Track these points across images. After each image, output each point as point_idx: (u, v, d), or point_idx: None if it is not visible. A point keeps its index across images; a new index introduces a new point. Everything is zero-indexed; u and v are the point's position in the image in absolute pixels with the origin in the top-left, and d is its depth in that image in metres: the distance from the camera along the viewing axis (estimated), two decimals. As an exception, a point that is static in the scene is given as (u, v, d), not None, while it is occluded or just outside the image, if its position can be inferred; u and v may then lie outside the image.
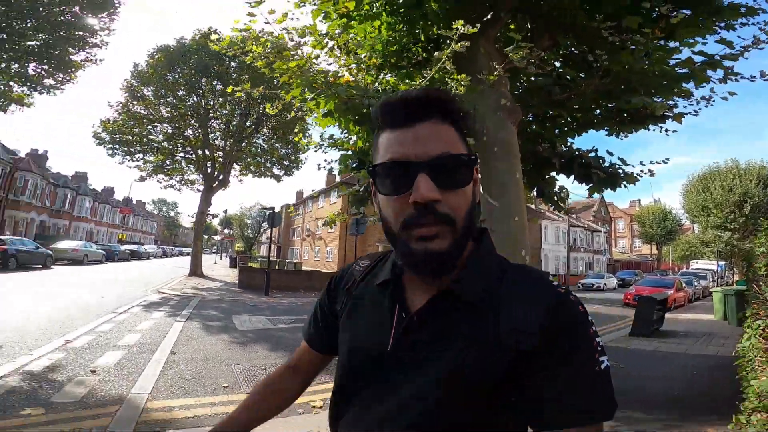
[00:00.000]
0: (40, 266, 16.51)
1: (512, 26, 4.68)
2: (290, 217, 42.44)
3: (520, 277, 0.59)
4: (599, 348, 0.54)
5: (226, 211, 45.99)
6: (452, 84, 3.57)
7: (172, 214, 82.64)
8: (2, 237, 16.17)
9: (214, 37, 5.54)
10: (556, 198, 5.54)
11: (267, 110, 5.36)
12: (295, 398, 0.80)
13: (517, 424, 0.55)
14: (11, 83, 13.02)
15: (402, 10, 4.23)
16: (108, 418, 3.14)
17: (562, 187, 5.58)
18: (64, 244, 21.42)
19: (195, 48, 18.45)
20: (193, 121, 20.01)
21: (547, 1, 4.19)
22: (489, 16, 4.19)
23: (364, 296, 0.67)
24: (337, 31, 4.65)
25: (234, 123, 20.16)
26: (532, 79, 4.65)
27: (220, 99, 19.46)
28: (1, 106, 13.19)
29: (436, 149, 0.54)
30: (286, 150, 21.43)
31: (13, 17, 11.25)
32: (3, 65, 12.35)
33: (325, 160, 6.03)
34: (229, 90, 4.76)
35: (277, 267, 17.88)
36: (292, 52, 4.17)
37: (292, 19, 4.37)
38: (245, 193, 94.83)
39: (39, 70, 13.22)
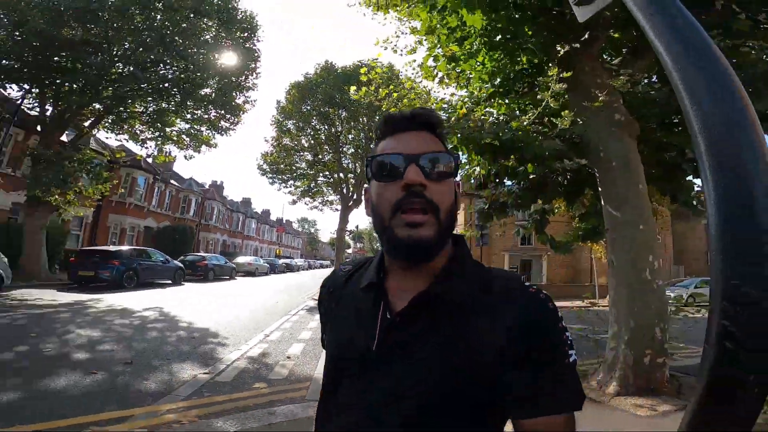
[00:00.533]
0: (228, 278, 20.99)
1: (617, 35, 4.74)
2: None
3: (495, 279, 0.63)
4: (569, 342, 0.58)
5: (357, 227, 50.05)
6: (563, 115, 3.91)
7: (312, 231, 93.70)
8: (203, 254, 21.17)
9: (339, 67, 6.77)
10: (695, 202, 5.25)
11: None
12: None
13: (496, 416, 0.59)
14: (201, 128, 17.18)
15: (499, 44, 4.71)
16: (304, 391, 4.30)
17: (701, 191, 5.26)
18: (241, 259, 26.78)
19: (319, 81, 21.43)
20: (327, 148, 23.10)
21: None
22: (586, 36, 4.41)
23: (348, 299, 0.71)
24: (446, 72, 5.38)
25: (362, 146, 22.53)
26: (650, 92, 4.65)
27: (347, 125, 22.09)
28: (195, 148, 17.34)
29: (425, 148, 0.63)
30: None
31: (193, 71, 14.64)
32: (195, 113, 16.36)
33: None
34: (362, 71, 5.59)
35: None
36: (411, 93, 5.09)
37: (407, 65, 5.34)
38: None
39: (216, 115, 17.11)
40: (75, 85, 12.30)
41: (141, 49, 13.05)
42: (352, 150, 23.37)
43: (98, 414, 3.17)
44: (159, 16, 13.23)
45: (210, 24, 15.04)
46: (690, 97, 0.51)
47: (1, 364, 4.35)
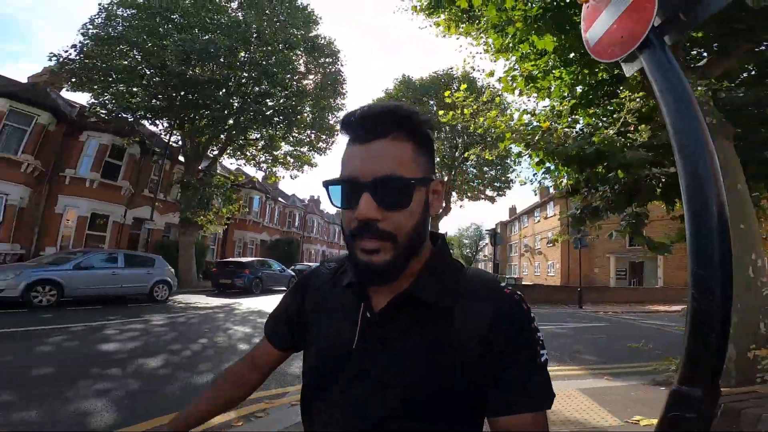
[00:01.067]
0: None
1: (699, 34, 4.78)
2: (507, 234, 43.12)
3: (472, 280, 0.64)
4: (540, 342, 0.60)
5: (446, 233, 50.42)
6: (640, 129, 4.25)
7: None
8: (310, 264, 23.68)
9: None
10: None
11: (485, 156, 6.92)
12: (251, 392, 0.83)
13: (474, 413, 0.60)
14: (302, 149, 19.26)
15: (574, 60, 5.05)
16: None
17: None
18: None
19: (399, 95, 22.54)
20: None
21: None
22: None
23: (332, 297, 0.70)
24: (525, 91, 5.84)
25: (446, 156, 23.12)
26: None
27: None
28: (299, 168, 19.46)
29: (383, 170, 0.57)
30: (495, 172, 22.95)
31: (292, 99, 16.62)
32: (297, 137, 18.55)
33: (538, 182, 7.17)
34: (446, 96, 6.06)
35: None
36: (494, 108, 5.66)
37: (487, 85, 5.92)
38: (461, 216, 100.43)
39: (314, 137, 19.07)
40: (205, 120, 15.06)
41: (251, 83, 15.51)
42: (438, 159, 24.08)
43: (268, 390, 3.79)
44: (259, 53, 15.55)
45: (299, 53, 17.12)
46: (674, 132, 1.23)
47: (196, 352, 5.44)
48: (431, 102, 21.80)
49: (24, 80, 16.42)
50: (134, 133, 15.90)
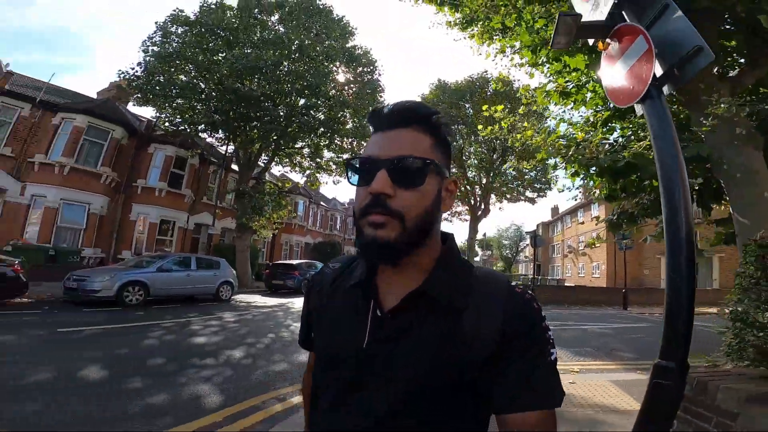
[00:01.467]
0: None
1: (732, 42, 4.99)
2: (548, 235, 42.25)
3: (483, 279, 0.65)
4: (551, 341, 0.61)
5: (485, 234, 50.02)
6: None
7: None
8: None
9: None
10: None
11: (523, 167, 7.33)
12: None
13: (482, 410, 0.61)
14: (344, 156, 20.07)
15: None
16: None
17: None
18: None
19: (434, 99, 22.89)
20: (451, 161, 24.45)
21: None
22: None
23: (337, 297, 0.70)
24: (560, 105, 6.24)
25: (485, 158, 23.31)
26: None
27: (468, 139, 23.13)
28: (341, 174, 20.20)
29: (400, 151, 0.60)
30: (535, 172, 22.87)
31: (334, 108, 17.66)
32: (340, 144, 19.47)
33: (576, 189, 7.52)
34: (484, 109, 6.41)
35: (538, 284, 19.25)
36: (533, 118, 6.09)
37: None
38: (501, 217, 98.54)
39: (354, 144, 19.76)
40: (256, 131, 16.30)
41: (296, 95, 16.60)
42: (476, 162, 24.32)
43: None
44: (301, 67, 16.60)
45: (338, 65, 18.04)
46: (660, 167, 1.81)
47: (267, 345, 6.06)
48: (467, 105, 22.10)
49: (84, 92, 18.47)
50: (195, 146, 17.49)
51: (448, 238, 0.70)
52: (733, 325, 2.57)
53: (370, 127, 0.67)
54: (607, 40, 2.54)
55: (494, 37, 6.52)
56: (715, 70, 5.08)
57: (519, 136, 5.94)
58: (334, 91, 17.70)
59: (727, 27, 4.82)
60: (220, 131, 16.69)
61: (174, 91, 15.18)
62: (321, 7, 18.33)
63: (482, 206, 23.98)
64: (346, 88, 19.15)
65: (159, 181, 16.59)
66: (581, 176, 5.90)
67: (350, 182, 0.64)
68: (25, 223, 13.01)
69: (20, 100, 13.46)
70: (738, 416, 1.79)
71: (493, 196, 24.21)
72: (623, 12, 2.43)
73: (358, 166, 0.63)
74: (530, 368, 0.58)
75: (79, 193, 13.97)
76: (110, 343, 5.43)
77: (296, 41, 15.92)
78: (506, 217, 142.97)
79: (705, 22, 4.12)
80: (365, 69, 19.25)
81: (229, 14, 16.79)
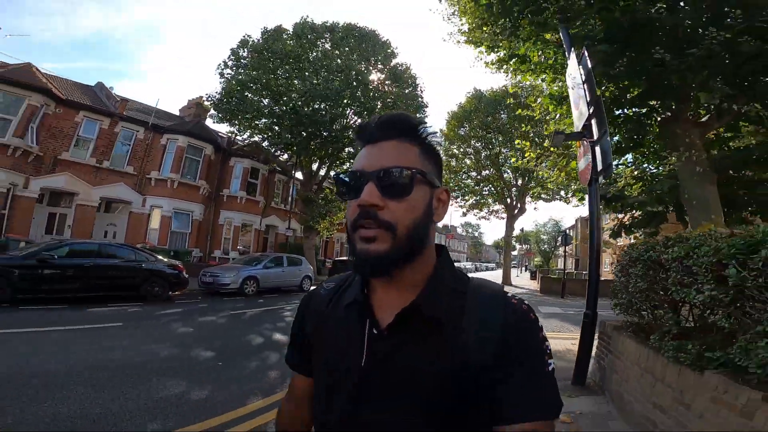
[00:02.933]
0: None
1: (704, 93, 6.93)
2: (586, 232, 42.89)
3: (478, 291, 0.65)
4: (548, 351, 0.61)
5: (522, 229, 51.05)
6: (633, 189, 6.75)
7: (476, 234, 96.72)
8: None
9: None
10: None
11: (548, 185, 9.49)
12: (310, 425, 0.79)
13: (480, 423, 0.60)
14: None
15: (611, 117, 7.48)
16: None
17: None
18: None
19: (471, 108, 24.69)
20: (489, 163, 26.32)
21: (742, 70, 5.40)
22: (673, 106, 6.81)
23: (333, 317, 0.71)
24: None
25: (519, 166, 24.92)
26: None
27: (504, 147, 24.80)
28: None
29: (387, 162, 0.60)
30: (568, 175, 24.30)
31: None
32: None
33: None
34: (517, 143, 8.75)
35: (573, 277, 21.01)
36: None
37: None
38: (540, 212, 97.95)
39: None
40: (321, 149, 19.14)
41: (356, 117, 19.24)
42: (511, 164, 25.99)
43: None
44: (359, 92, 19.18)
45: (388, 84, 20.42)
46: (591, 226, 4.20)
47: None
48: (503, 114, 23.76)
49: (145, 102, 21.97)
50: (270, 160, 20.63)
51: (442, 250, 0.70)
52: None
53: (359, 143, 0.67)
54: (580, 142, 4.94)
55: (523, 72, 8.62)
56: (691, 116, 7.09)
57: (541, 173, 8.19)
58: (378, 104, 20.20)
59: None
60: (293, 150, 19.58)
61: (252, 112, 18.26)
62: (367, 30, 20.82)
63: (518, 205, 25.72)
64: (389, 101, 21.52)
65: (239, 190, 19.84)
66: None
67: (340, 197, 0.66)
68: (146, 230, 16.52)
69: (136, 124, 16.74)
70: (611, 336, 4.08)
71: (528, 197, 25.80)
72: (592, 122, 4.75)
73: (347, 180, 0.63)
74: (528, 379, 0.58)
75: (185, 203, 17.39)
76: (270, 319, 8.21)
77: (353, 71, 18.52)
78: (545, 212, 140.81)
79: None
80: (409, 88, 21.47)
81: (285, 36, 19.66)
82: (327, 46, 20.43)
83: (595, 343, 4.41)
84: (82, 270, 8.00)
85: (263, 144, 19.29)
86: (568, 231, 20.18)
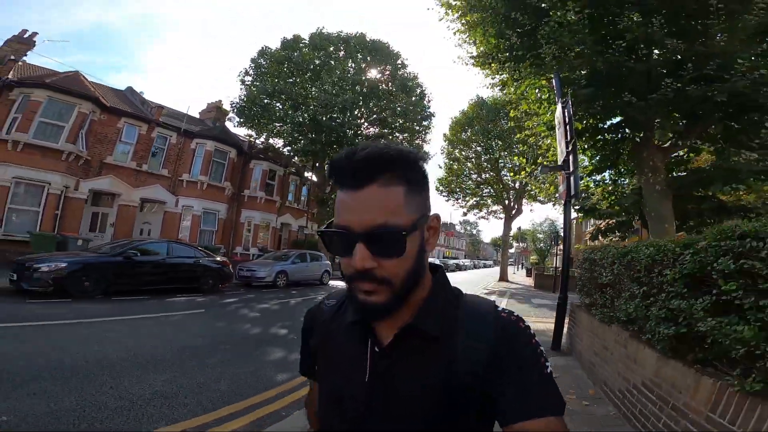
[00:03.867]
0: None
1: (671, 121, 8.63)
2: (582, 231, 44.71)
3: (471, 307, 0.69)
4: (543, 355, 0.64)
5: (519, 228, 52.77)
6: (602, 204, 8.54)
7: (474, 232, 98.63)
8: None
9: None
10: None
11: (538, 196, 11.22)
12: None
13: (484, 428, 0.66)
14: None
15: (588, 148, 9.25)
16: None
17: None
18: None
19: (473, 114, 26.32)
20: (488, 167, 27.97)
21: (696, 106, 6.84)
22: (642, 135, 8.54)
23: (337, 333, 0.75)
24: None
25: (518, 169, 26.61)
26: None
27: (504, 152, 26.44)
28: None
29: (375, 219, 0.59)
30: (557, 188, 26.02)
31: (409, 140, 22.07)
32: None
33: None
34: (515, 159, 10.51)
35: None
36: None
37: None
38: (537, 211, 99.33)
39: None
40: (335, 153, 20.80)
41: (369, 126, 20.94)
42: (510, 167, 27.64)
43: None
44: (372, 102, 20.84)
45: (397, 93, 21.92)
46: (563, 234, 5.96)
47: None
48: (503, 120, 25.34)
49: (156, 100, 23.55)
50: (288, 163, 22.31)
51: (438, 270, 0.73)
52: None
53: (334, 181, 0.64)
54: (561, 172, 6.71)
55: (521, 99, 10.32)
56: (656, 142, 8.81)
57: (534, 186, 9.91)
58: (388, 114, 21.89)
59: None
60: (311, 156, 21.20)
61: (273, 118, 19.91)
62: (378, 42, 22.41)
63: (516, 206, 27.49)
64: (399, 110, 23.14)
65: (259, 191, 21.49)
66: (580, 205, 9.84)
67: (329, 251, 0.66)
68: (179, 228, 18.17)
69: (169, 129, 18.25)
70: (575, 312, 5.82)
71: (524, 199, 27.52)
72: (569, 158, 6.47)
73: (335, 238, 0.63)
74: (530, 381, 0.60)
75: (212, 203, 19.05)
76: (311, 305, 9.97)
77: (366, 83, 20.18)
78: (542, 212, 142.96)
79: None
80: (416, 93, 23.09)
81: (302, 45, 21.28)
82: (340, 55, 22.04)
83: (567, 320, 6.16)
84: (156, 266, 9.68)
85: (282, 148, 21.01)
86: (558, 233, 22.01)
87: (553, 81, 8.00)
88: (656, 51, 7.44)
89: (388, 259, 0.60)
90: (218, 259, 11.76)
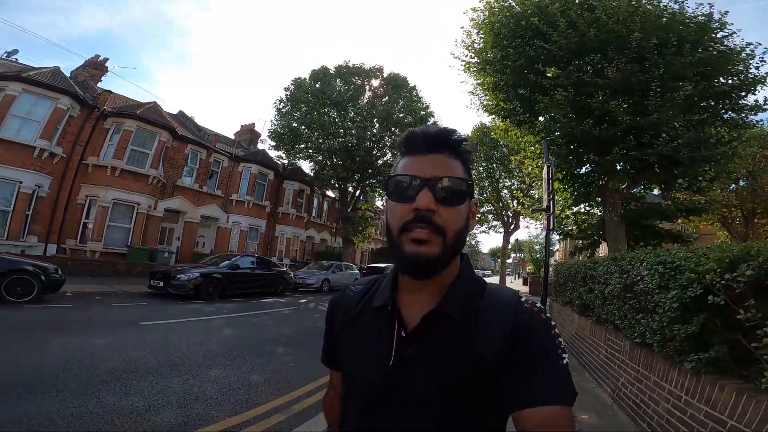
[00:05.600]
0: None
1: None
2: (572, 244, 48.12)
3: (494, 295, 0.70)
4: (561, 346, 0.64)
5: (517, 240, 56.08)
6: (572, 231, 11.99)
7: (473, 243, 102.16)
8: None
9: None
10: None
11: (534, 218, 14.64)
12: None
13: (499, 416, 0.66)
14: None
15: (567, 187, 12.66)
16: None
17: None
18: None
19: (477, 141, 28.88)
20: (488, 187, 31.25)
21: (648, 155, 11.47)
22: (605, 179, 11.98)
23: (363, 318, 0.76)
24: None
25: (520, 189, 29.97)
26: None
27: (504, 175, 29.71)
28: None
29: (441, 172, 0.66)
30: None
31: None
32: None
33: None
34: (514, 192, 13.96)
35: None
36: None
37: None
38: (532, 227, 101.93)
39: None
40: (364, 180, 24.38)
41: (390, 154, 24.45)
42: (509, 184, 31.03)
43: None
44: (392, 129, 24.33)
45: (411, 122, 25.30)
46: (546, 249, 9.34)
47: None
48: (503, 146, 28.70)
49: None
50: (317, 187, 25.75)
51: (464, 258, 0.74)
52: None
53: (403, 150, 0.71)
54: (544, 212, 10.16)
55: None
56: (618, 187, 12.19)
57: (528, 216, 13.31)
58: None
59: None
60: (341, 180, 24.49)
61: (307, 145, 23.33)
62: (397, 76, 25.77)
63: (513, 222, 30.86)
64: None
65: (291, 208, 24.81)
66: (558, 232, 13.20)
67: (390, 197, 0.68)
68: (228, 242, 21.41)
69: (221, 155, 21.48)
70: (553, 307, 9.13)
71: (521, 218, 30.84)
72: (550, 203, 9.88)
73: (400, 182, 0.67)
74: (544, 371, 0.61)
75: (256, 220, 22.37)
76: None
77: (394, 116, 23.72)
78: (538, 225, 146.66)
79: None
80: (428, 121, 26.38)
81: (329, 75, 24.65)
82: (366, 87, 25.32)
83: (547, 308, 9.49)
84: (250, 275, 12.86)
85: (311, 171, 24.47)
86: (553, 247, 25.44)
87: (543, 144, 11.43)
88: (616, 121, 10.88)
89: (448, 206, 0.65)
90: (283, 269, 15.05)
